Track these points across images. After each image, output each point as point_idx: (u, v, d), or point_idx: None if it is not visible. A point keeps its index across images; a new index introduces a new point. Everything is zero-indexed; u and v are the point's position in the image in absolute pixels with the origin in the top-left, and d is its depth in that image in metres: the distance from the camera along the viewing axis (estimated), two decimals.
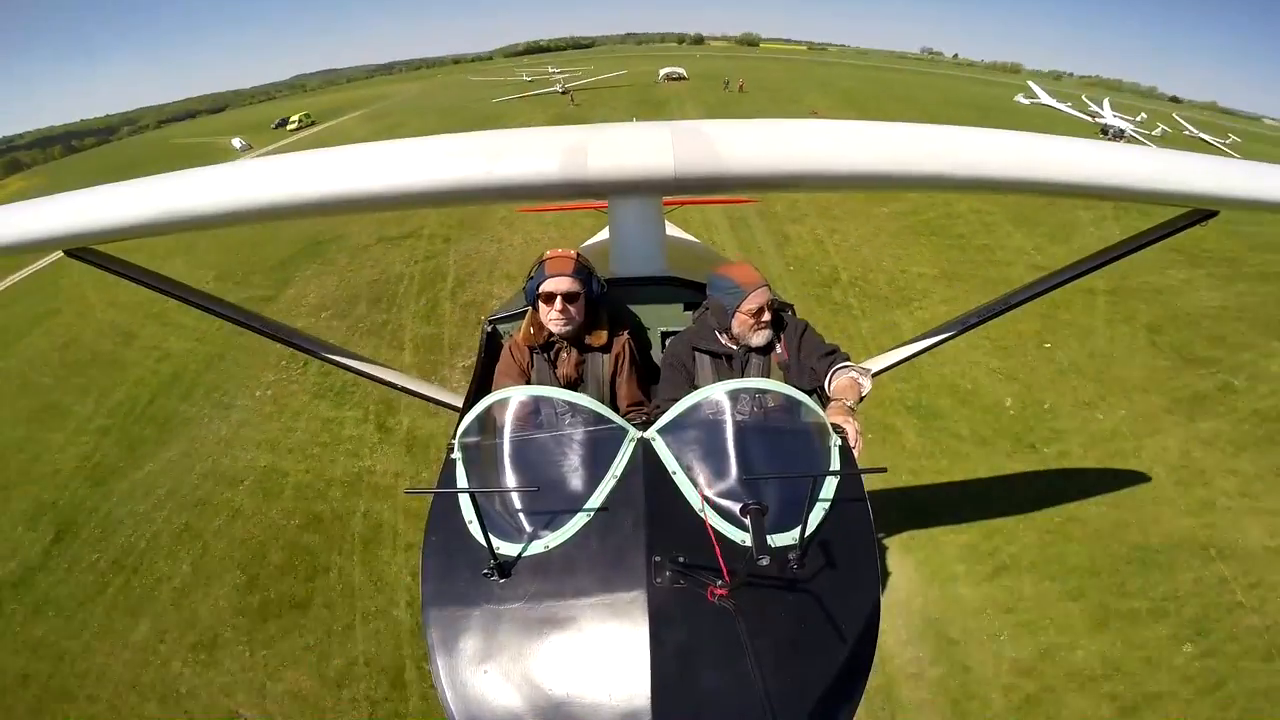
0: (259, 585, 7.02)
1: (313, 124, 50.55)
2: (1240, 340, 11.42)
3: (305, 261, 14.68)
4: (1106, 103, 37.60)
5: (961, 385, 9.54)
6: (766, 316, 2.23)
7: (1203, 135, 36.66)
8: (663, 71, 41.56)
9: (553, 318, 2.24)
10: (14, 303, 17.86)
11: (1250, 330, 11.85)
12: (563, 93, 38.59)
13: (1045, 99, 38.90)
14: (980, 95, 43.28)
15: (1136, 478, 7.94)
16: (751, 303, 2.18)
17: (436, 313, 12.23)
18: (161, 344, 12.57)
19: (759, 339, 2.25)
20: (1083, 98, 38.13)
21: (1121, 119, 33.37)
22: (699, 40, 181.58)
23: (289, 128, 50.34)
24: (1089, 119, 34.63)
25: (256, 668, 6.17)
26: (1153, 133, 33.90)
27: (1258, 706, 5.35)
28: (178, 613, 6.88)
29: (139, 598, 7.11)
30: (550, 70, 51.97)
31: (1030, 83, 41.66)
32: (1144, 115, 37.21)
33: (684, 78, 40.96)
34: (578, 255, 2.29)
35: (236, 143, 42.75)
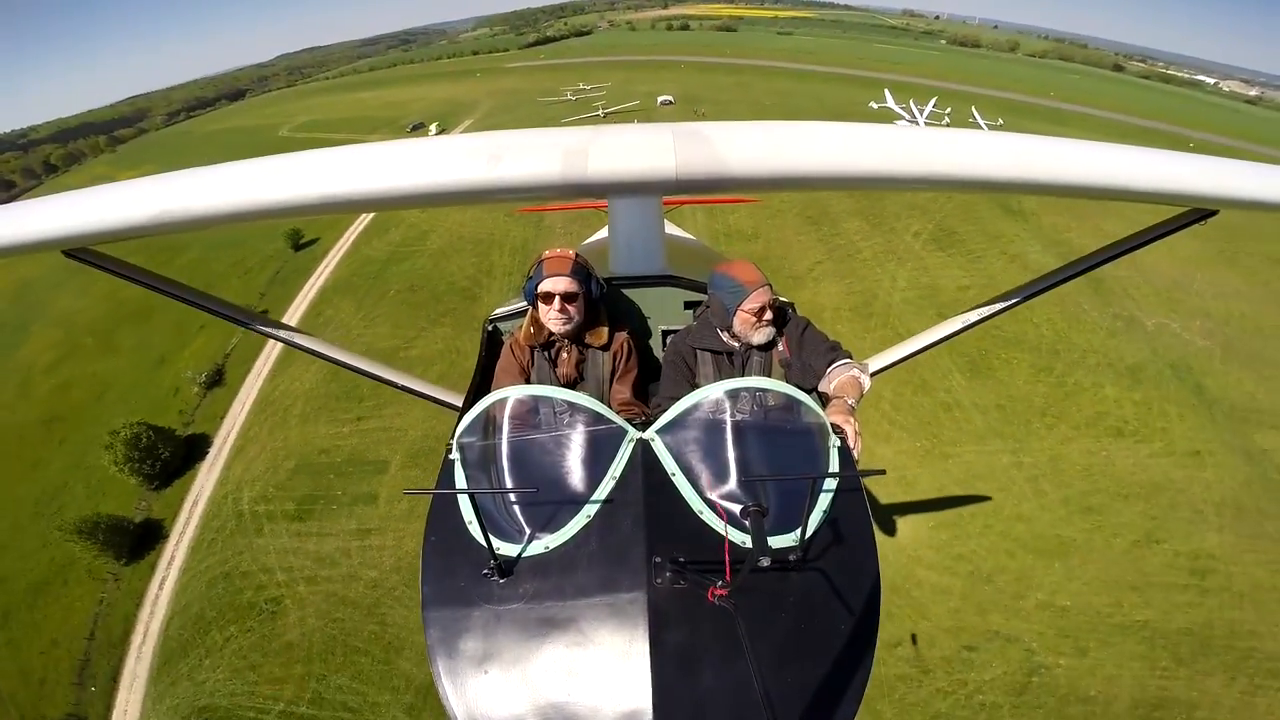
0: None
1: (444, 131, 62.56)
2: (840, 218, 38.79)
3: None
4: (932, 103, 61.23)
5: (751, 232, 37.30)
6: (769, 315, 2.29)
7: (981, 121, 61.35)
8: (660, 99, 66.65)
9: (552, 317, 2.32)
10: (383, 233, 42.81)
11: (853, 217, 39.02)
12: (603, 116, 58.81)
13: (890, 103, 63.13)
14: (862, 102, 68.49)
15: (781, 245, 35.73)
16: (753, 302, 2.25)
17: None
18: (510, 234, 39.84)
19: (760, 337, 2.31)
20: (910, 102, 62.41)
21: (922, 117, 58.70)
22: (685, 26, 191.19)
23: (430, 134, 61.81)
24: (906, 116, 59.52)
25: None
26: (940, 123, 59.23)
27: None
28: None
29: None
30: (582, 86, 76.34)
31: (886, 90, 65.76)
32: (949, 109, 61.89)
33: (673, 103, 66.50)
34: (576, 255, 2.36)
35: None
